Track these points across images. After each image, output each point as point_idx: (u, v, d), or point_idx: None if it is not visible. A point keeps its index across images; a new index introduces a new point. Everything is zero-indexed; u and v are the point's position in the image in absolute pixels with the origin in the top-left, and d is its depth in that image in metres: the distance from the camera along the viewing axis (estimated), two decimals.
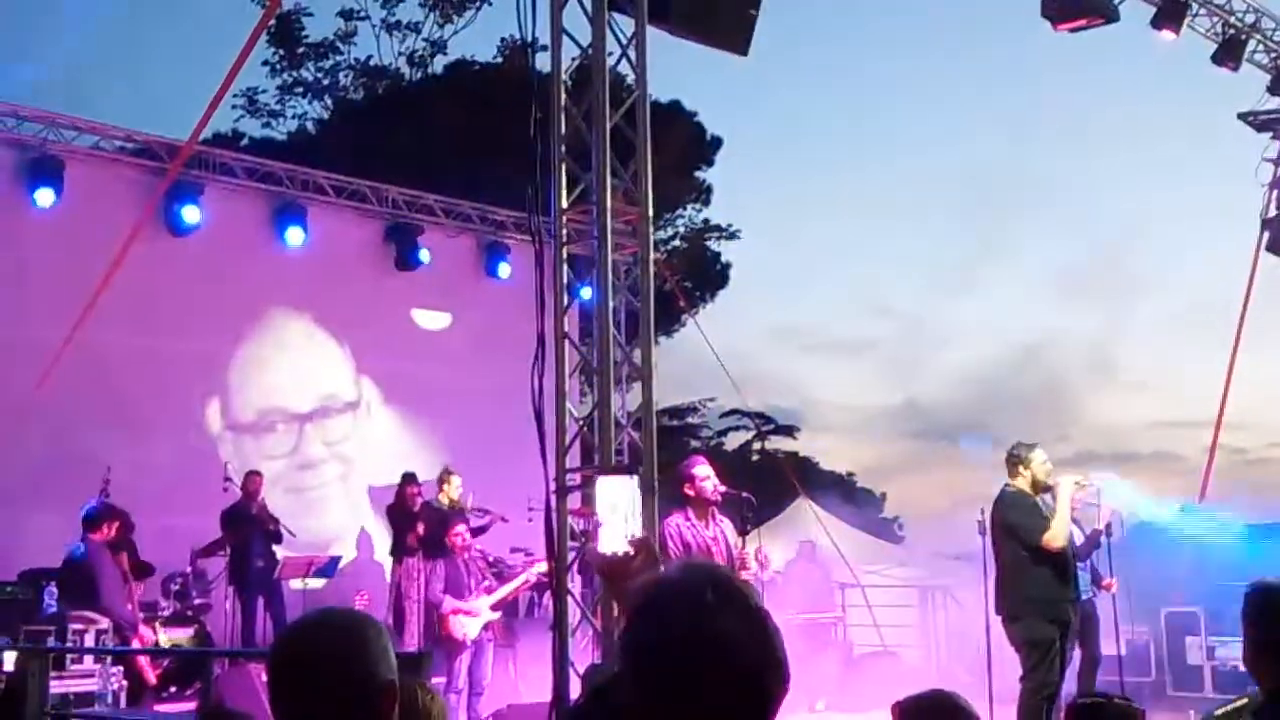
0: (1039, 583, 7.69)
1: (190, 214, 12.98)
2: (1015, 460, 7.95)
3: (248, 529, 11.87)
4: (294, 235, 13.97)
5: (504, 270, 15.73)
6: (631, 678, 1.71)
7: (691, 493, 7.33)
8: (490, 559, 11.12)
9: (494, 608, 10.05)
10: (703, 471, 7.38)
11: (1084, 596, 9.58)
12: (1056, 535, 7.65)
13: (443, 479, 12.80)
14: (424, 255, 15.00)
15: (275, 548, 12.09)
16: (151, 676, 9.80)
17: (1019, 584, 7.73)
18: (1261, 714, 3.26)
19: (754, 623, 1.70)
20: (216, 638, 11.49)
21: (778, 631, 1.74)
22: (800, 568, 14.51)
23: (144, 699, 9.68)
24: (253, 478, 12.28)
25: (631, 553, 2.76)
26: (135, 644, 9.51)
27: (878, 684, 10.83)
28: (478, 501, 12.68)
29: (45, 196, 12.20)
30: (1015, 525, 7.77)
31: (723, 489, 7.43)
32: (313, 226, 14.10)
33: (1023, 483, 7.90)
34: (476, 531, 11.11)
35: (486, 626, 10.01)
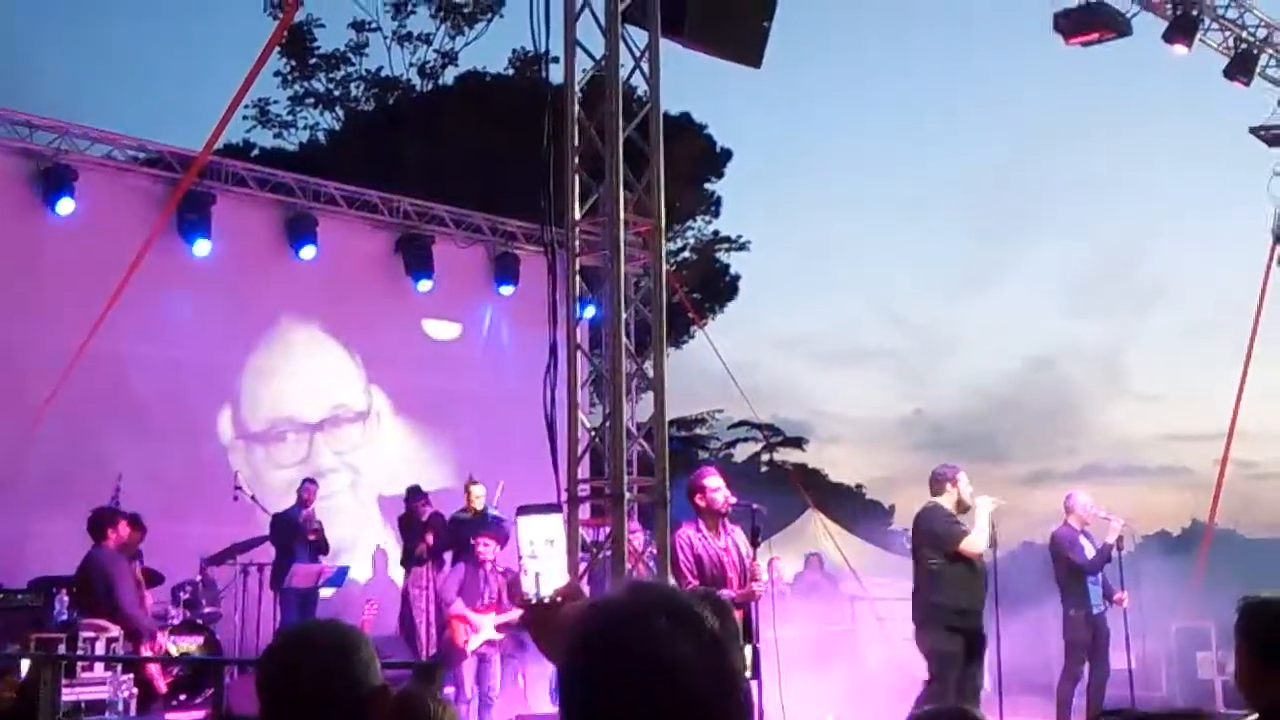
0: (948, 592, 7.95)
1: (203, 242, 13.06)
2: (942, 479, 8.23)
3: (295, 535, 11.91)
4: (305, 246, 13.99)
5: (514, 281, 15.73)
6: (570, 717, 1.53)
7: (702, 503, 7.34)
8: (504, 570, 11.10)
9: (499, 628, 10.01)
10: (714, 482, 7.40)
11: (1096, 611, 9.59)
12: (975, 542, 7.93)
13: (466, 489, 12.79)
14: (435, 266, 15.02)
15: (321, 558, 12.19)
16: (162, 685, 9.81)
17: (930, 592, 8.00)
18: None
19: (713, 650, 1.51)
20: (226, 647, 11.50)
21: (740, 659, 1.57)
22: (808, 580, 14.49)
23: (154, 708, 9.69)
24: (308, 486, 12.39)
25: (559, 600, 2.57)
26: (146, 652, 9.53)
27: (887, 698, 10.80)
28: (498, 505, 12.65)
29: (58, 206, 12.25)
30: (937, 533, 8.04)
31: (733, 500, 7.45)
32: (323, 237, 14.13)
33: (947, 500, 8.17)
34: (503, 541, 11.08)
35: (490, 641, 9.98)
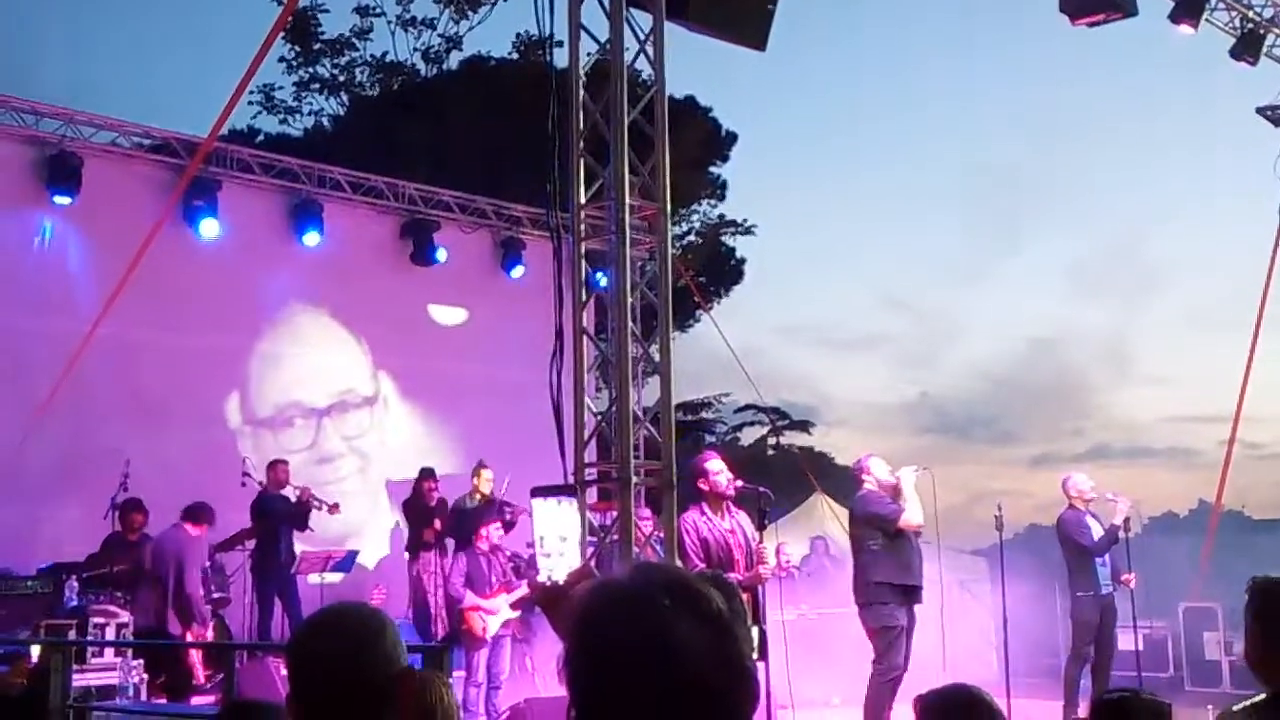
0: (890, 571, 8.09)
1: (209, 228, 13.03)
2: (858, 472, 8.49)
3: (275, 520, 11.90)
4: (311, 231, 14.00)
5: (520, 266, 15.73)
6: (576, 698, 1.52)
7: (705, 487, 7.37)
8: (509, 554, 11.15)
9: (514, 606, 10.07)
10: (715, 466, 7.43)
11: (1104, 592, 9.60)
12: (912, 515, 8.14)
13: (475, 472, 12.82)
14: (440, 251, 15.02)
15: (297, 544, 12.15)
16: (201, 674, 9.82)
17: (872, 572, 8.15)
18: (1270, 711, 3.24)
19: (717, 630, 1.50)
20: (235, 631, 11.54)
21: (746, 640, 1.56)
22: (816, 563, 14.53)
23: (188, 694, 9.71)
24: (278, 466, 12.29)
25: (572, 582, 2.59)
26: (189, 637, 9.70)
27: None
28: (504, 495, 12.68)
29: (64, 193, 12.25)
30: (876, 515, 8.22)
31: (739, 483, 7.47)
32: (329, 223, 14.13)
33: (871, 486, 8.37)
34: (508, 527, 11.13)
35: (505, 623, 10.03)
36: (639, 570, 1.61)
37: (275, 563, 11.71)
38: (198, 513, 10.11)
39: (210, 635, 10.39)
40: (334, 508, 12.34)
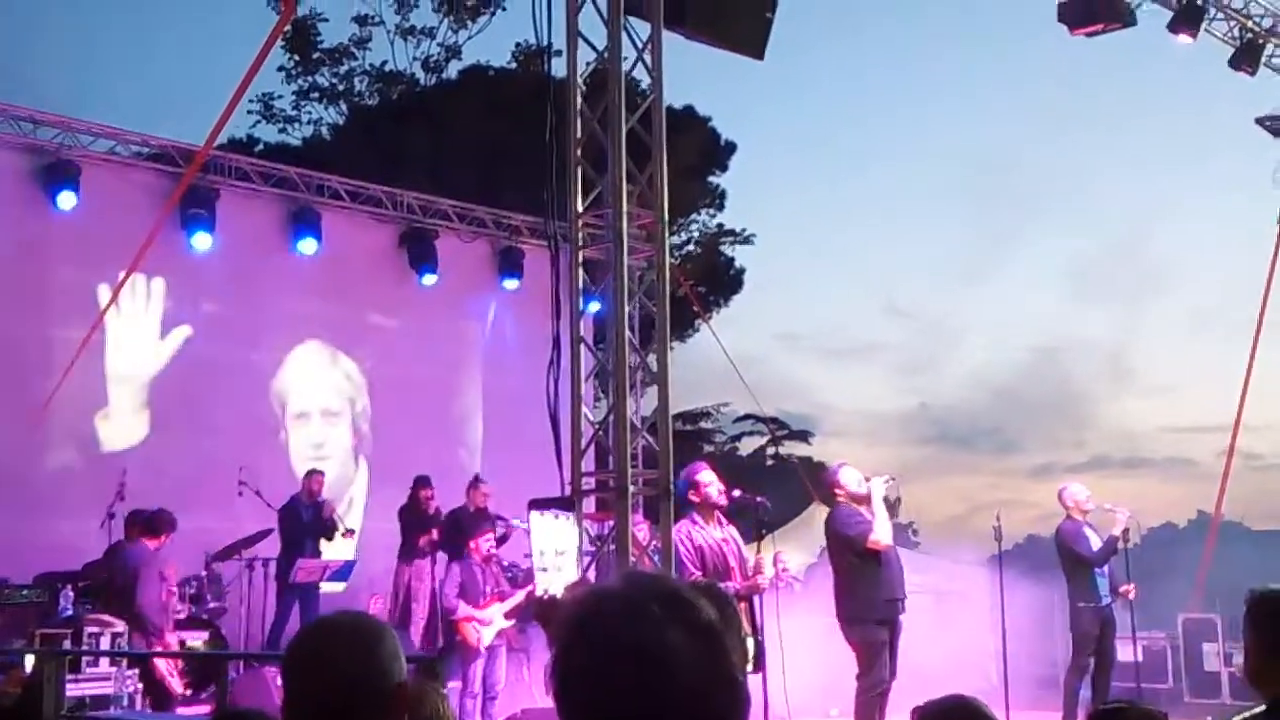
0: (868, 588, 8.04)
1: (205, 237, 13.00)
2: (830, 486, 8.42)
3: (302, 530, 11.89)
4: (309, 240, 13.98)
5: (519, 275, 15.71)
6: (563, 707, 1.50)
7: (697, 499, 7.35)
8: (505, 564, 11.12)
9: (508, 615, 10.02)
10: (706, 477, 7.41)
11: (1104, 603, 9.57)
12: (880, 534, 8.02)
13: (473, 485, 12.83)
14: (439, 260, 15.00)
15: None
16: (177, 685, 9.73)
17: (852, 590, 8.11)
18: None
19: (708, 640, 1.48)
20: (232, 642, 11.49)
21: (737, 651, 1.54)
22: (822, 573, 14.48)
23: (169, 707, 9.64)
24: (313, 477, 12.32)
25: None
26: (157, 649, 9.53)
27: (893, 690, 10.78)
28: (495, 508, 12.65)
29: (62, 200, 12.22)
30: (845, 537, 8.12)
31: (736, 493, 7.45)
32: (327, 231, 14.12)
33: (842, 499, 8.29)
34: (500, 541, 11.11)
35: (500, 632, 9.98)
36: (629, 578, 1.58)
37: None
38: (153, 525, 9.87)
39: (174, 647, 10.26)
40: (349, 533, 12.46)
